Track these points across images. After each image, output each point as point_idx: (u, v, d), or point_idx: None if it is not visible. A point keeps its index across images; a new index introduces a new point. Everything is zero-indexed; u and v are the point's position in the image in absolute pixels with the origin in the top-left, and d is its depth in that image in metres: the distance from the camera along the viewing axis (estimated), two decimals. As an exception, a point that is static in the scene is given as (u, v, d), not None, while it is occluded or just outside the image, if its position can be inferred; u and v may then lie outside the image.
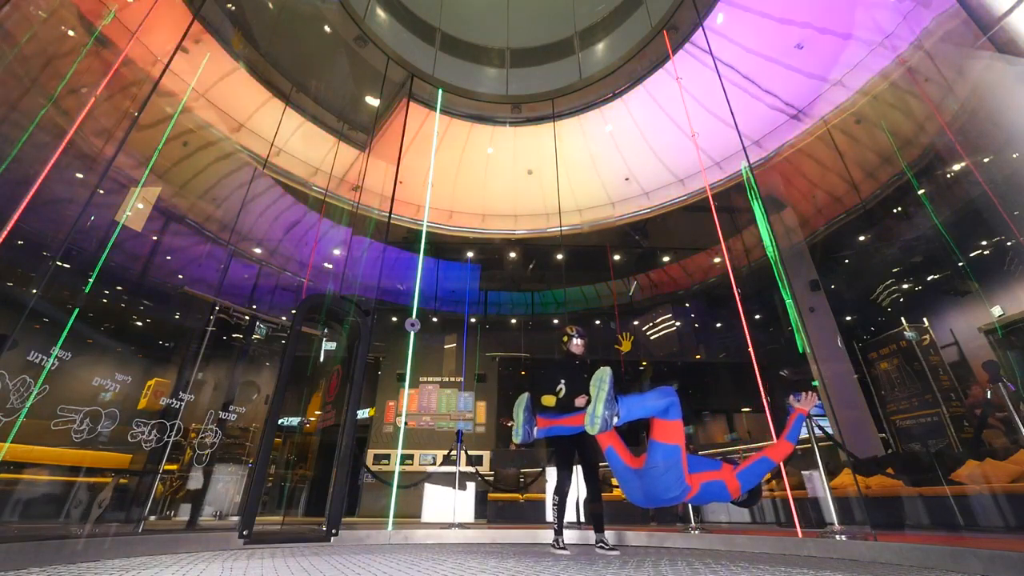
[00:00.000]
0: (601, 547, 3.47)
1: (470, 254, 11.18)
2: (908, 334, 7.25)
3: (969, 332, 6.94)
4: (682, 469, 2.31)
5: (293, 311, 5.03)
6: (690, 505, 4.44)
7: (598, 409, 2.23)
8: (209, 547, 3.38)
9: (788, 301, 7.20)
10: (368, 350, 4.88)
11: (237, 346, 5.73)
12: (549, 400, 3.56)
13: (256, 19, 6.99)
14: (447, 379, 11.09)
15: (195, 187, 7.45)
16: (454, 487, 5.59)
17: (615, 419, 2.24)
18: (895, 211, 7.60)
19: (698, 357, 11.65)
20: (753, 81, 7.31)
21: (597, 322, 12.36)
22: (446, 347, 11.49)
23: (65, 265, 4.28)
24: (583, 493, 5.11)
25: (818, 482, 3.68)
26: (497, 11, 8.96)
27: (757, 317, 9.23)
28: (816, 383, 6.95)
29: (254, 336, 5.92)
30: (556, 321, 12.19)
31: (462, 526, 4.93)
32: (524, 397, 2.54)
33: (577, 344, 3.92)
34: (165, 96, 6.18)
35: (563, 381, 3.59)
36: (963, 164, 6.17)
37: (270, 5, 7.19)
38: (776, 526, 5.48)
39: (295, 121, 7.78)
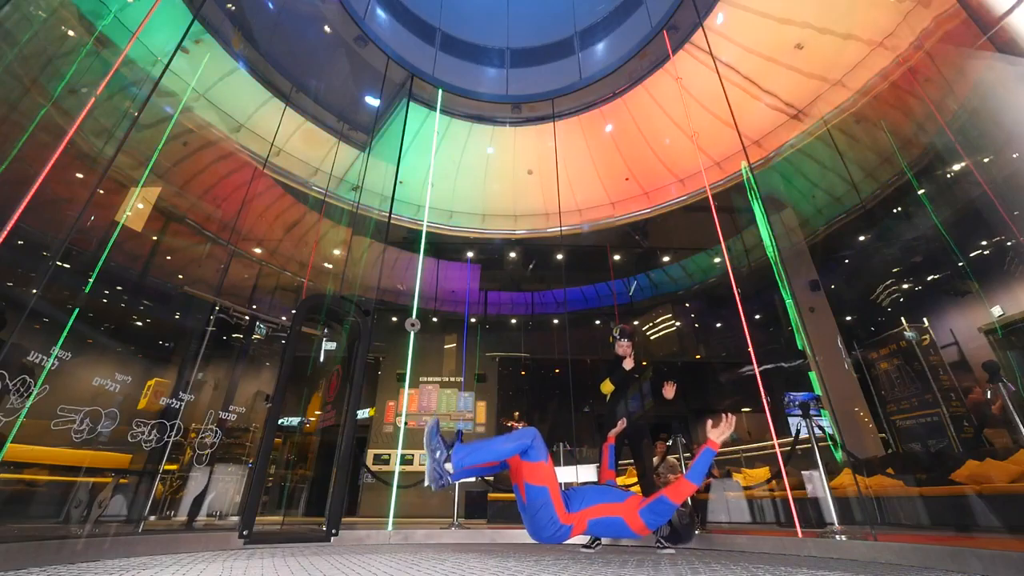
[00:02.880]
0: (584, 547, 3.58)
1: (470, 254, 11.18)
2: (908, 334, 7.25)
3: (969, 332, 6.94)
4: (552, 510, 2.26)
5: (293, 311, 5.03)
6: (689, 504, 4.44)
7: (427, 464, 2.14)
8: (209, 547, 3.38)
9: (788, 301, 7.20)
10: (368, 350, 4.88)
11: (237, 346, 5.74)
12: (607, 387, 4.11)
13: (256, 19, 6.99)
14: (447, 379, 11.09)
15: (195, 187, 7.45)
16: (454, 487, 5.60)
17: (448, 466, 2.10)
18: (895, 211, 7.60)
19: (698, 357, 11.64)
20: (753, 81, 7.31)
21: (597, 322, 12.35)
22: (446, 347, 11.49)
23: (65, 265, 4.28)
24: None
25: (818, 482, 3.68)
26: (497, 11, 8.97)
27: (757, 317, 9.23)
28: (816, 384, 6.95)
29: (254, 336, 5.93)
30: (556, 321, 12.19)
31: (462, 526, 4.93)
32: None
33: (622, 345, 4.13)
34: (165, 96, 6.18)
35: (608, 379, 4.07)
36: (963, 164, 6.17)
37: (270, 5, 7.19)
38: (776, 526, 5.47)
39: (295, 121, 7.78)
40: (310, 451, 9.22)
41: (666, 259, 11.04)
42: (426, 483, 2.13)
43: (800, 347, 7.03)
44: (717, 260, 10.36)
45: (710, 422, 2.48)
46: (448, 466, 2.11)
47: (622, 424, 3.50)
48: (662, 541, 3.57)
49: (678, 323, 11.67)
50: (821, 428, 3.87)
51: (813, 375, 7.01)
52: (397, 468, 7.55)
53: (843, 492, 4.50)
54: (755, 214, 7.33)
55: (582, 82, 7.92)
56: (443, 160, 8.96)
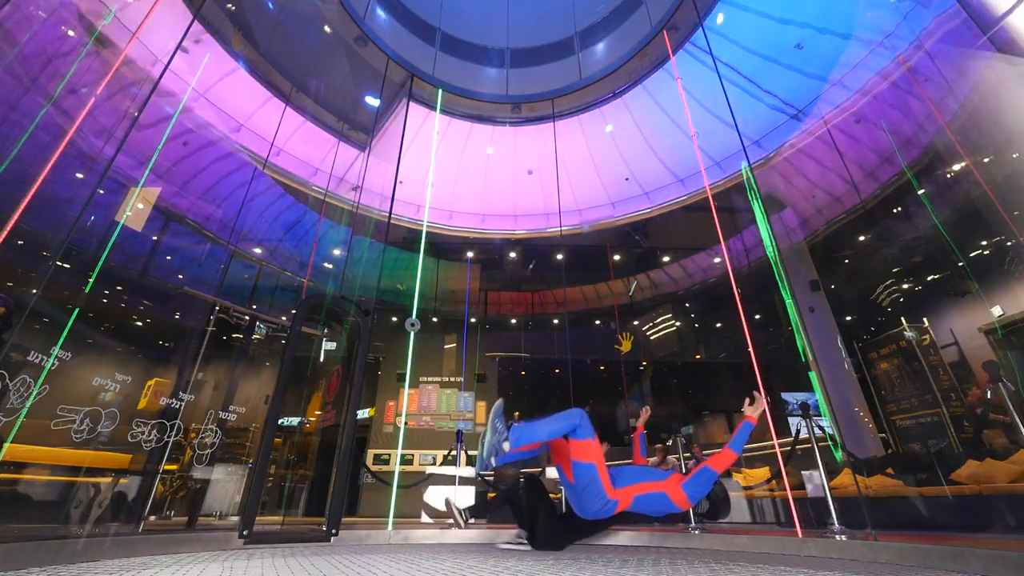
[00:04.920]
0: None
1: (470, 254, 11.18)
2: (908, 334, 7.26)
3: (969, 332, 6.94)
4: (600, 486, 2.43)
5: (293, 311, 5.03)
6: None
7: (485, 438, 2.43)
8: (209, 547, 3.38)
9: (788, 301, 7.21)
10: (368, 350, 4.88)
11: (237, 346, 5.73)
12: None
13: (256, 19, 6.99)
14: (447, 379, 11.09)
15: (195, 187, 7.45)
16: (454, 487, 5.60)
17: (505, 444, 2.35)
18: (895, 211, 7.60)
19: (698, 357, 11.65)
20: (753, 81, 7.31)
21: (597, 322, 12.35)
22: (446, 347, 11.49)
23: (65, 265, 4.28)
24: None
25: (818, 482, 3.68)
26: (497, 11, 8.97)
27: (757, 317, 9.23)
28: (815, 383, 6.95)
29: (254, 336, 5.92)
30: (556, 321, 12.19)
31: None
32: (485, 432, 2.66)
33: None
34: (165, 96, 6.18)
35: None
36: (963, 164, 6.18)
37: (270, 5, 7.19)
38: (776, 526, 5.48)
39: (295, 121, 7.79)
40: (310, 451, 9.23)
41: (666, 259, 11.04)
42: (484, 456, 2.40)
43: (800, 348, 7.04)
44: (717, 260, 10.36)
45: (747, 400, 2.72)
46: (505, 445, 2.35)
47: (646, 413, 3.55)
48: (701, 517, 3.55)
49: (678, 323, 11.67)
50: (821, 428, 3.87)
51: (813, 375, 7.01)
52: (397, 468, 7.55)
53: (843, 492, 4.51)
54: (755, 214, 7.34)
55: (582, 82, 7.92)
56: (443, 160, 8.96)
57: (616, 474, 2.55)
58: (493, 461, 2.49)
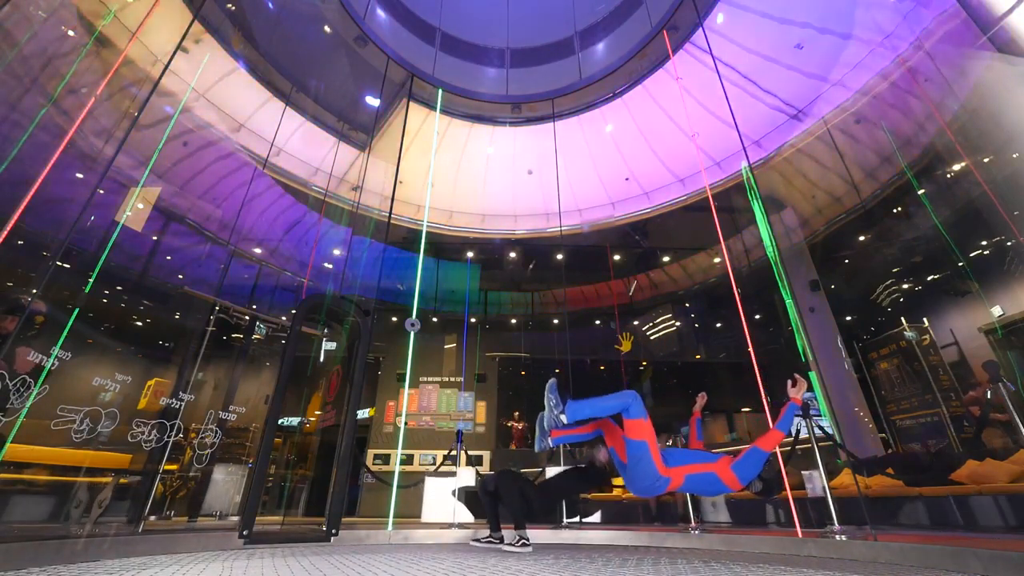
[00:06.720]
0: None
1: (470, 254, 11.18)
2: (908, 334, 7.26)
3: (969, 332, 6.94)
4: (652, 463, 2.56)
5: (293, 311, 5.03)
6: (690, 505, 4.45)
7: (545, 413, 2.65)
8: (209, 547, 3.38)
9: (788, 301, 7.21)
10: (368, 350, 4.88)
11: (237, 346, 5.74)
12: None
13: (256, 19, 6.99)
14: (447, 379, 11.08)
15: (195, 187, 7.45)
16: (454, 486, 5.60)
17: (562, 417, 2.57)
18: (895, 211, 7.60)
19: (698, 357, 11.64)
20: (753, 81, 7.31)
21: (597, 322, 12.34)
22: (446, 347, 11.49)
23: (65, 265, 4.28)
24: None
25: (818, 482, 3.68)
26: (497, 11, 8.97)
27: (757, 317, 9.23)
28: (815, 380, 6.95)
29: (254, 336, 5.93)
30: (556, 321, 12.19)
31: (462, 526, 4.93)
32: (541, 414, 2.82)
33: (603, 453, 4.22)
34: (165, 96, 6.18)
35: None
36: (963, 164, 6.18)
37: (270, 5, 7.19)
38: (776, 526, 5.47)
39: (295, 121, 7.78)
40: (310, 451, 9.22)
41: (666, 259, 11.04)
42: (545, 425, 2.64)
43: (800, 348, 7.04)
44: (717, 260, 10.36)
45: (789, 382, 2.83)
46: (563, 417, 2.53)
47: (703, 399, 3.67)
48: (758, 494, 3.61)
49: (678, 323, 11.66)
50: (821, 428, 3.87)
51: (813, 375, 7.01)
52: (397, 468, 7.55)
53: (843, 492, 4.50)
54: (755, 214, 7.34)
55: (582, 82, 7.92)
56: (443, 160, 8.95)
57: (667, 455, 2.67)
58: (550, 441, 2.70)
